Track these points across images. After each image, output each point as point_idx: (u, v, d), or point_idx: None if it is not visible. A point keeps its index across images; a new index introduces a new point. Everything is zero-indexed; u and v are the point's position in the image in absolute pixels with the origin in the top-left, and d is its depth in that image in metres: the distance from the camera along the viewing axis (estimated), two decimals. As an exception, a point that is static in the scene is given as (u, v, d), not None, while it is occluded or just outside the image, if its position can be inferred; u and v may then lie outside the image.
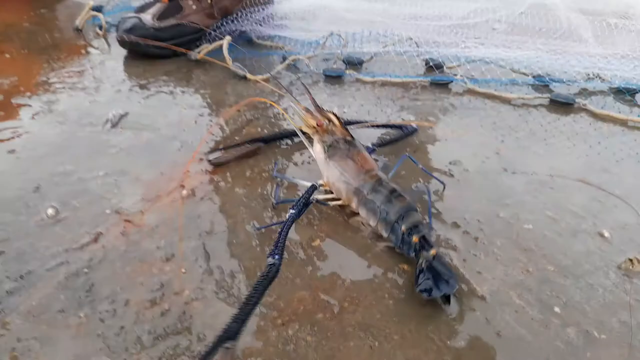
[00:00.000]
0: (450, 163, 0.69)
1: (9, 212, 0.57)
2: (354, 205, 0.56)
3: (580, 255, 0.54)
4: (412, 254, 0.50)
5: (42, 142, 0.71)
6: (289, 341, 0.43)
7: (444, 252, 0.53)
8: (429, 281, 0.46)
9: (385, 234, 0.53)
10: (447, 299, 0.46)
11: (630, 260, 0.52)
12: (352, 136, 0.59)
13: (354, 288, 0.48)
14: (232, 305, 0.46)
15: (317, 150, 0.60)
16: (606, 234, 0.57)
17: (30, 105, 0.82)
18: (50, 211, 0.57)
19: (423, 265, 0.48)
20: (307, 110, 0.62)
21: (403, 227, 0.51)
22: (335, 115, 0.60)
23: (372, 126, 0.76)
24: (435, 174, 0.65)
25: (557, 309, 0.47)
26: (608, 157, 0.73)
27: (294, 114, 0.64)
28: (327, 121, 0.60)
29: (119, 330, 0.43)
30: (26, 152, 0.69)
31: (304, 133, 0.62)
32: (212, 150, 0.70)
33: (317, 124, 0.59)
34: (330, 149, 0.58)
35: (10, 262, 0.50)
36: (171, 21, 1.03)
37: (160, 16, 1.02)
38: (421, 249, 0.49)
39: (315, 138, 0.60)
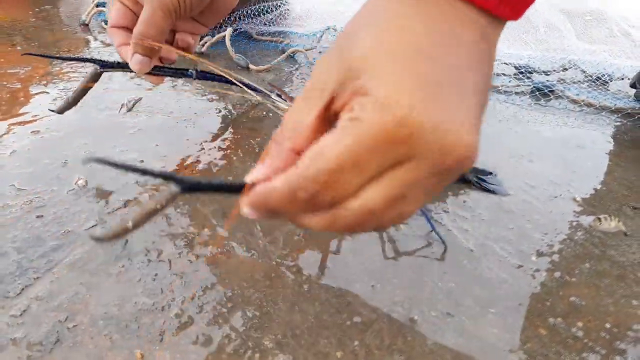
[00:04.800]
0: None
1: (42, 183, 0.62)
2: None
3: (555, 215, 0.61)
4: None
5: (63, 124, 0.77)
6: (303, 284, 0.49)
7: (437, 214, 0.60)
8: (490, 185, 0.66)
9: None
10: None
11: (599, 219, 0.60)
12: None
13: (358, 243, 0.55)
14: (252, 256, 0.52)
15: None
16: (578, 198, 0.64)
17: (47, 92, 0.87)
18: (80, 182, 0.62)
19: (475, 179, 0.66)
20: None
21: None
22: None
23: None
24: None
25: (534, 258, 0.54)
26: (582, 136, 0.81)
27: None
28: None
29: (155, 277, 0.49)
30: (49, 133, 0.74)
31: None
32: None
33: None
34: None
35: (49, 224, 0.56)
36: None
37: None
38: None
39: None
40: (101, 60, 0.62)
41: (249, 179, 0.31)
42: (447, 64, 0.26)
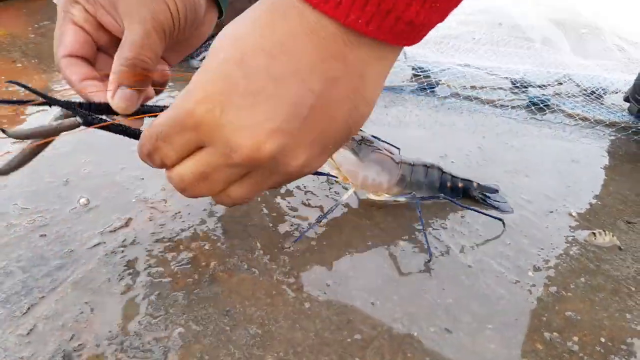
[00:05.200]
0: (439, 157, 0.77)
1: (44, 202, 0.63)
2: (395, 189, 0.63)
3: (551, 230, 0.62)
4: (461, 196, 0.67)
5: (64, 141, 0.77)
6: (304, 301, 0.50)
7: (436, 230, 0.61)
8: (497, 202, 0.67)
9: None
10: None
11: (594, 233, 0.61)
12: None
13: (357, 260, 0.56)
14: (253, 274, 0.53)
15: (346, 156, 0.60)
16: (574, 213, 0.65)
17: (46, 110, 0.88)
18: (82, 200, 0.63)
19: (480, 196, 0.68)
20: None
21: (449, 184, 0.66)
22: None
23: None
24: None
25: (530, 273, 0.55)
26: (577, 150, 0.82)
27: None
28: None
29: (158, 295, 0.50)
30: (51, 151, 0.74)
31: None
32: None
33: None
34: (360, 152, 0.60)
35: (52, 243, 0.56)
36: None
37: None
38: (468, 190, 0.67)
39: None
40: (72, 103, 0.45)
41: None
42: (264, 73, 0.29)
